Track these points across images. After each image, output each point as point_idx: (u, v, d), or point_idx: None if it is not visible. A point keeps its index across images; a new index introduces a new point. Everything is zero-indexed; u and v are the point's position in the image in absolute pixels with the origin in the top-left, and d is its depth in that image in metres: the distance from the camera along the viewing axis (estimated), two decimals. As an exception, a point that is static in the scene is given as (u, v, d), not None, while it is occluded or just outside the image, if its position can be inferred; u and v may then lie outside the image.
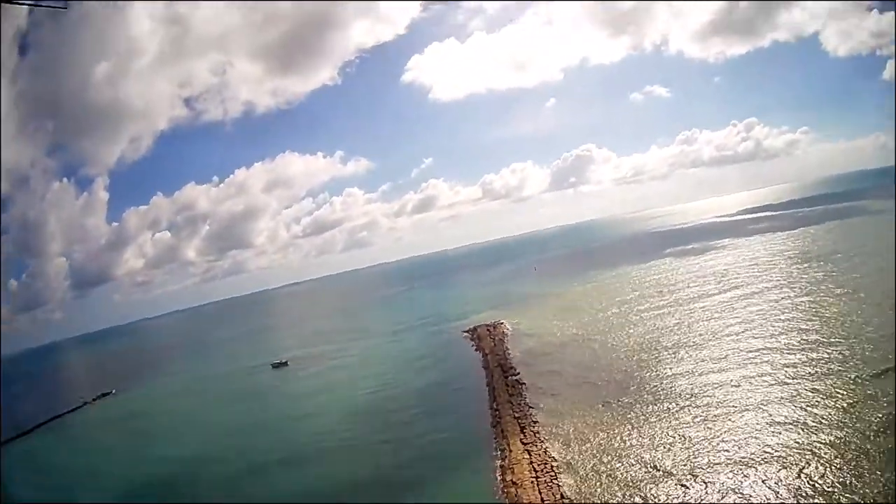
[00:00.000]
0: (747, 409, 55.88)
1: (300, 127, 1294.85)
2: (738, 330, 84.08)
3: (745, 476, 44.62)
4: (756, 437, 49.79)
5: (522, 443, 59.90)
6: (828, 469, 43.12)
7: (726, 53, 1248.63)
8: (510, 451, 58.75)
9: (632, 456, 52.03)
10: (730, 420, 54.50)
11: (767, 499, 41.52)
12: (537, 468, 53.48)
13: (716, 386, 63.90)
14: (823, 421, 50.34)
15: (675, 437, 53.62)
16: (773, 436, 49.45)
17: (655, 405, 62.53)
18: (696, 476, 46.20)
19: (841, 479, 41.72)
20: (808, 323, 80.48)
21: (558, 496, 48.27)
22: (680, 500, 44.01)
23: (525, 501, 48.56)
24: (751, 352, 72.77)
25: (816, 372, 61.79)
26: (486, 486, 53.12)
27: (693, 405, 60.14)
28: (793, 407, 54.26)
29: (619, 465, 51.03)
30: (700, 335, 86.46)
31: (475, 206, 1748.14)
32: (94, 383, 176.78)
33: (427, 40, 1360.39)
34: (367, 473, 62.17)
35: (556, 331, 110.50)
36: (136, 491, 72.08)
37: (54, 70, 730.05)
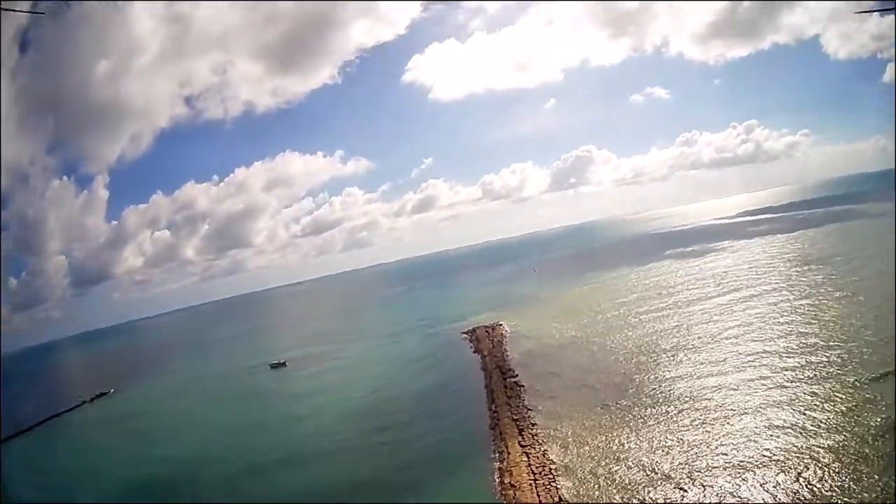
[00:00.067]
0: (746, 413, 55.87)
1: (300, 126, 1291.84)
2: (737, 333, 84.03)
3: (743, 480, 44.63)
4: (754, 441, 49.78)
5: (521, 445, 59.85)
6: (826, 473, 43.10)
7: (727, 56, 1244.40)
8: (508, 453, 58.71)
9: (630, 459, 51.99)
10: (728, 423, 54.49)
11: (766, 502, 41.53)
12: (535, 471, 53.46)
13: (714, 389, 63.87)
14: (822, 425, 50.31)
15: (673, 441, 53.59)
16: (772, 439, 49.44)
17: (654, 408, 62.50)
18: (695, 480, 46.18)
19: (839, 484, 41.72)
20: (807, 326, 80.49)
21: (556, 499, 48.24)
22: (678, 504, 44.06)
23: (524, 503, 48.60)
24: (749, 355, 72.71)
25: (815, 375, 61.81)
26: (484, 489, 53.09)
27: (691, 408, 60.12)
28: (791, 410, 54.23)
29: (618, 468, 50.98)
30: (699, 338, 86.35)
31: (475, 207, 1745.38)
32: (93, 382, 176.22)
33: (427, 40, 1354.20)
34: (365, 474, 62.11)
35: (555, 333, 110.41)
36: (133, 491, 71.93)
37: (55, 67, 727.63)
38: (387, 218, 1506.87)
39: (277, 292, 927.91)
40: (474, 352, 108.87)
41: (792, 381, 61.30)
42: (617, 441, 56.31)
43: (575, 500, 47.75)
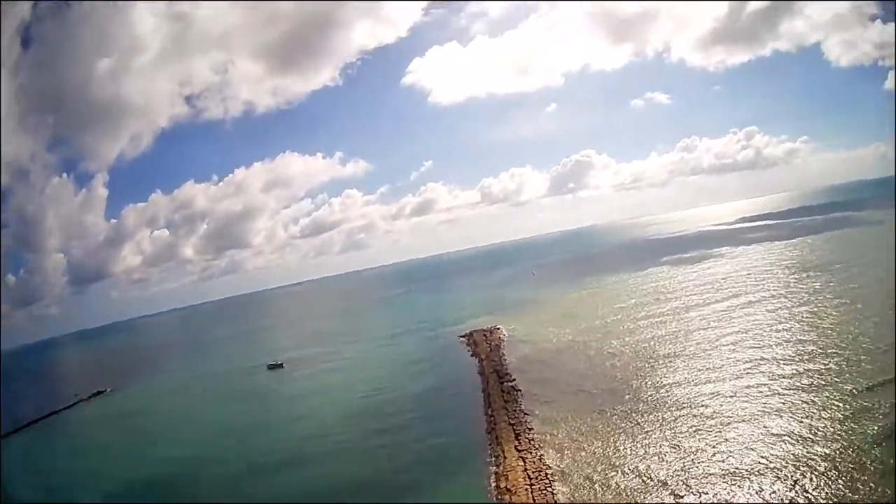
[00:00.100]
0: (743, 420, 55.82)
1: (300, 127, 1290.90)
2: (735, 339, 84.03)
3: (739, 487, 44.55)
4: (751, 449, 49.69)
5: (517, 449, 59.73)
6: (822, 481, 43.05)
7: (727, 62, 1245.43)
8: (505, 457, 58.61)
9: (626, 465, 51.89)
10: (725, 431, 54.39)
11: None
12: (531, 475, 53.35)
13: (711, 396, 63.82)
14: (819, 433, 50.26)
15: (669, 447, 53.49)
16: (769, 447, 49.35)
17: (650, 414, 62.41)
18: (690, 487, 46.08)
19: (835, 492, 41.65)
20: (805, 333, 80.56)
21: (552, 504, 48.15)
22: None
23: (519, 508, 48.53)
24: (747, 362, 72.63)
25: (813, 383, 61.77)
26: (480, 492, 53.00)
27: (688, 415, 60.01)
28: (788, 418, 54.19)
29: (614, 473, 50.88)
30: (696, 344, 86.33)
31: (474, 210, 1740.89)
32: (90, 380, 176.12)
33: (429, 43, 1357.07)
34: (363, 476, 61.94)
35: (553, 337, 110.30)
36: (130, 490, 71.63)
37: (56, 64, 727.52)
38: (385, 220, 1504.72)
39: (275, 293, 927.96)
40: (471, 355, 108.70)
41: (789, 389, 61.27)
42: (613, 447, 56.20)
43: (571, 506, 47.71)
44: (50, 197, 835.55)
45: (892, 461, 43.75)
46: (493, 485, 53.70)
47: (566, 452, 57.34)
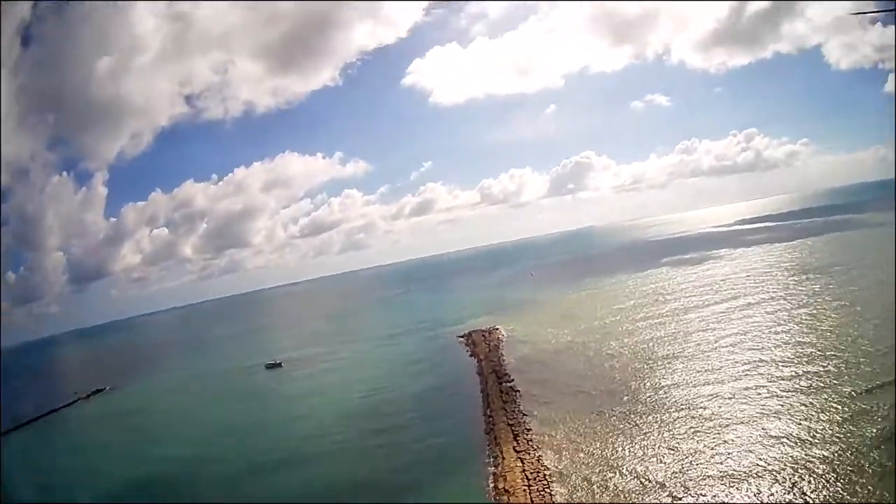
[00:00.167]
0: (741, 422, 55.75)
1: (300, 127, 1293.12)
2: (734, 341, 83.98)
3: (737, 490, 44.50)
4: (749, 451, 49.63)
5: (515, 450, 59.68)
6: (820, 484, 42.98)
7: (728, 64, 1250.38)
8: (503, 458, 58.56)
9: (624, 467, 51.83)
10: (723, 433, 54.32)
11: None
12: (530, 476, 53.31)
13: (710, 397, 63.76)
14: (817, 435, 50.19)
15: (667, 449, 53.43)
16: (767, 449, 49.29)
17: (649, 416, 62.32)
18: (689, 489, 46.04)
19: (834, 495, 41.61)
20: (804, 336, 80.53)
21: (550, 505, 48.12)
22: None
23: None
24: (746, 364, 72.60)
25: (811, 386, 61.77)
26: (478, 493, 52.96)
27: (687, 417, 59.95)
28: (787, 421, 54.13)
29: (612, 475, 50.83)
30: (695, 346, 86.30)
31: (473, 211, 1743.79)
32: (89, 379, 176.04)
33: (429, 44, 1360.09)
34: (361, 476, 61.92)
35: (552, 338, 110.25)
36: (126, 490, 71.42)
37: (57, 63, 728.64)
38: (384, 220, 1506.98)
39: (274, 292, 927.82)
40: (470, 355, 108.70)
41: (788, 391, 61.25)
42: (611, 448, 56.14)
43: (568, 507, 47.67)
44: (50, 195, 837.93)
45: (890, 464, 43.71)
46: (492, 485, 53.64)
47: (564, 453, 57.29)
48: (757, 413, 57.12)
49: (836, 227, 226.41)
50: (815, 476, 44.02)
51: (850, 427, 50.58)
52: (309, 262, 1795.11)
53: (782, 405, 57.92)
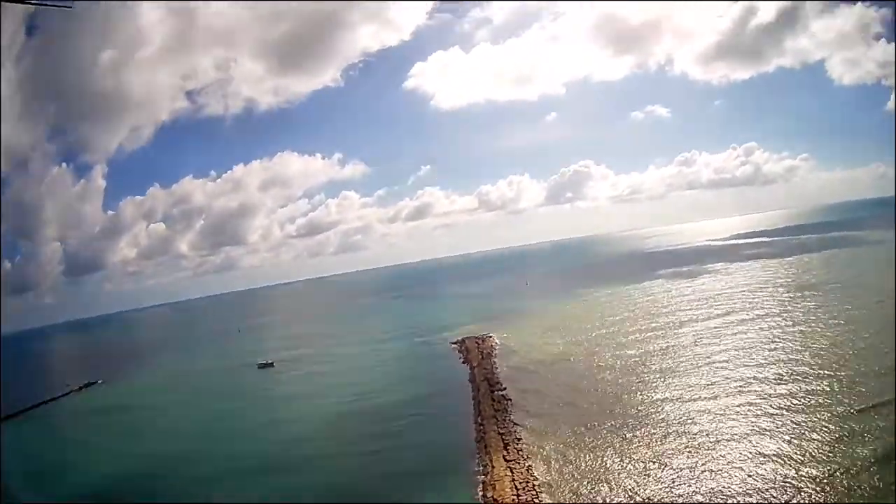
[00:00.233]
0: (733, 439, 55.37)
1: (300, 127, 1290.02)
2: (727, 357, 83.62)
3: (726, 507, 44.16)
4: (740, 468, 49.28)
5: (505, 459, 59.29)
6: (810, 505, 42.67)
7: (730, 77, 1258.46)
8: (493, 466, 58.15)
9: (613, 481, 51.46)
10: (714, 449, 53.97)
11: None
12: (519, 486, 52.93)
13: (701, 413, 63.43)
14: (808, 455, 49.84)
15: (657, 465, 53.01)
16: (758, 467, 48.96)
17: (639, 430, 61.88)
18: (677, 505, 45.69)
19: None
20: (798, 353, 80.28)
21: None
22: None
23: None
24: (739, 380, 72.27)
25: (804, 404, 61.44)
26: (467, 501, 52.72)
27: (678, 432, 59.55)
28: (778, 439, 53.78)
29: (601, 488, 50.47)
30: (688, 361, 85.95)
31: (470, 217, 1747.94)
32: (81, 371, 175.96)
33: (432, 48, 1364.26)
34: (346, 483, 61.39)
35: (545, 348, 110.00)
36: (112, 486, 70.55)
37: (60, 54, 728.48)
38: (381, 223, 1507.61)
39: (269, 291, 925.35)
40: (463, 362, 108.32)
41: (780, 409, 60.92)
42: (601, 461, 55.76)
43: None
44: (49, 186, 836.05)
45: (881, 485, 43.47)
46: (481, 494, 53.25)
47: (554, 465, 56.96)
48: (748, 430, 56.76)
49: (833, 243, 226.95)
50: (804, 495, 43.71)
51: (842, 447, 50.26)
52: (304, 263, 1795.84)
53: (774, 423, 57.59)
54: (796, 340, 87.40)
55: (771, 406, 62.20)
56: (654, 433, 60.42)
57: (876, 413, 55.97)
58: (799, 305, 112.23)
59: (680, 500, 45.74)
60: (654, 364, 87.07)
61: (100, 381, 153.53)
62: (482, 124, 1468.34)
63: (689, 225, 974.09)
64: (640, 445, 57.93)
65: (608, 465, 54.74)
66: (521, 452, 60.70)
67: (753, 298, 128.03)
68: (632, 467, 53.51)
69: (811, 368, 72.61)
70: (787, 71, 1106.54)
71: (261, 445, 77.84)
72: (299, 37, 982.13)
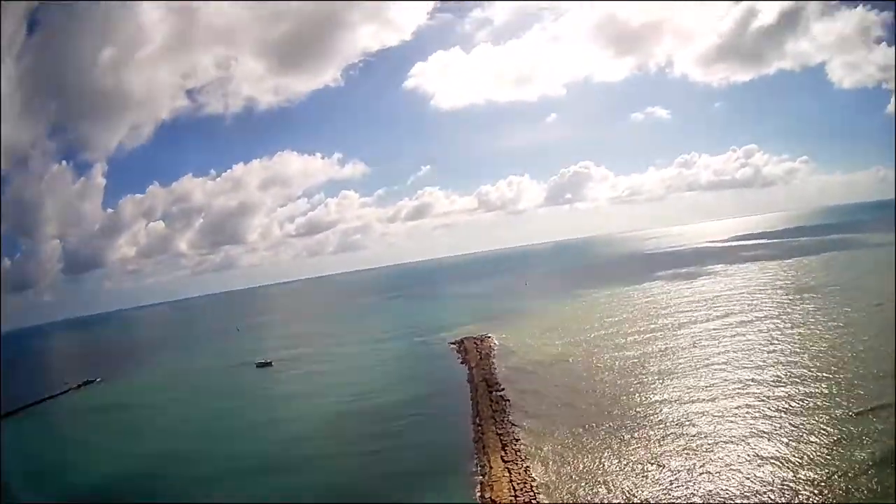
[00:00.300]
0: (731, 441, 55.36)
1: (300, 126, 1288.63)
2: (726, 359, 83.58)
3: (723, 510, 44.17)
4: (738, 471, 49.25)
5: (503, 460, 59.29)
6: (808, 508, 42.70)
7: (730, 79, 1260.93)
8: (491, 467, 58.14)
9: (611, 482, 51.45)
10: (712, 451, 53.96)
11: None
12: (517, 487, 52.91)
13: (700, 415, 63.40)
14: (806, 458, 49.85)
15: (655, 466, 53.02)
16: (755, 470, 48.94)
17: (637, 432, 61.85)
18: (675, 507, 45.71)
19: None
20: (797, 356, 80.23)
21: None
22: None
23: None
24: (737, 383, 72.26)
25: (802, 407, 61.42)
26: (465, 501, 52.69)
27: (676, 434, 59.52)
28: (777, 441, 53.76)
29: (598, 490, 50.45)
30: (687, 362, 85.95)
31: (470, 217, 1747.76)
32: (80, 369, 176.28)
33: (432, 48, 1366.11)
34: (344, 482, 61.38)
35: (544, 348, 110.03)
36: (111, 485, 70.49)
37: (60, 52, 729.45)
38: (381, 223, 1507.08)
39: (268, 290, 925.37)
40: (461, 363, 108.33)
41: (778, 412, 60.93)
42: (599, 463, 55.75)
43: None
44: (48, 183, 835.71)
45: (878, 488, 43.49)
46: (478, 494, 53.26)
47: (552, 466, 56.93)
48: (746, 433, 56.74)
49: (832, 246, 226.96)
50: (802, 498, 43.72)
51: (841, 450, 50.27)
52: (303, 262, 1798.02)
53: (772, 426, 57.58)
54: (795, 343, 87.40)
55: (769, 408, 62.22)
56: (653, 435, 60.41)
57: (874, 416, 55.99)
58: (798, 308, 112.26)
59: (678, 502, 45.80)
60: (652, 365, 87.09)
61: (99, 380, 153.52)
62: (482, 124, 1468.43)
63: (688, 227, 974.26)
64: (638, 447, 57.94)
65: (606, 467, 54.74)
66: (518, 453, 60.68)
67: (752, 300, 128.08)
68: (629, 469, 53.48)
69: (810, 371, 72.61)
70: (788, 73, 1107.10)
71: (260, 445, 77.85)
72: (299, 36, 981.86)
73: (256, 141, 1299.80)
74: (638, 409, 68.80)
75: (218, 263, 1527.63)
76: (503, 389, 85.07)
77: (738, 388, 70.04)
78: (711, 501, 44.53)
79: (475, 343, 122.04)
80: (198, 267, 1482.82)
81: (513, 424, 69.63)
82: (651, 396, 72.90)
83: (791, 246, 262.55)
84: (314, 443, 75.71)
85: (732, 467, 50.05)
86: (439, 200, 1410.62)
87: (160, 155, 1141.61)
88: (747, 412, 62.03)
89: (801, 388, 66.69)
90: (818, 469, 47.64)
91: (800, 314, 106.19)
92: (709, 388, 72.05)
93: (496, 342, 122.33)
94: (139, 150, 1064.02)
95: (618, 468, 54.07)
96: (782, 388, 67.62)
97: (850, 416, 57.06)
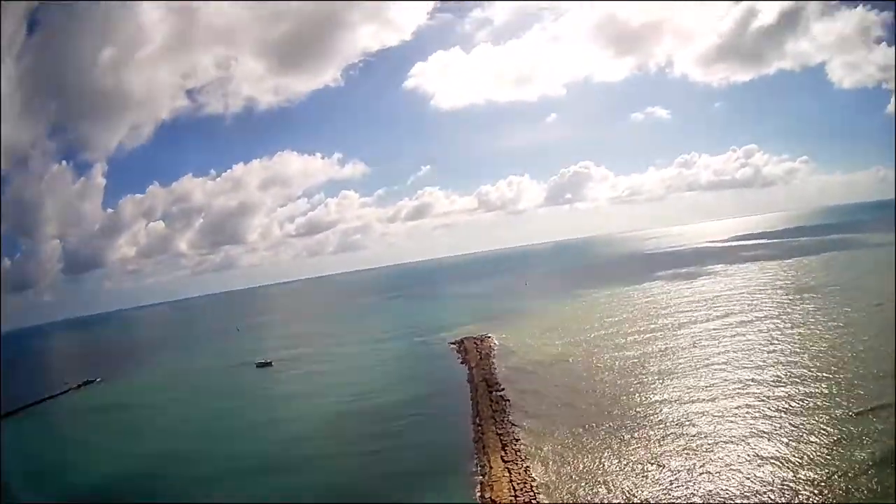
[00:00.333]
0: (731, 441, 55.36)
1: (300, 126, 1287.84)
2: (726, 360, 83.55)
3: (723, 509, 44.17)
4: (737, 471, 49.24)
5: (503, 460, 59.29)
6: (808, 508, 42.69)
7: (730, 79, 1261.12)
8: (490, 467, 58.13)
9: (611, 482, 51.45)
10: (712, 451, 53.95)
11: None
12: (517, 487, 52.89)
13: (700, 415, 63.39)
14: (806, 458, 49.84)
15: (655, 466, 53.00)
16: (755, 470, 48.93)
17: (637, 432, 61.84)
18: (675, 507, 45.70)
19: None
20: (797, 356, 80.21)
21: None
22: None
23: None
24: (737, 383, 72.25)
25: (802, 407, 61.40)
26: (465, 501, 52.68)
27: (676, 434, 59.51)
28: (777, 441, 53.75)
29: (598, 490, 50.44)
30: (687, 362, 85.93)
31: (470, 217, 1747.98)
32: (80, 369, 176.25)
33: (432, 48, 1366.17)
34: (344, 482, 61.37)
35: (544, 348, 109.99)
36: (111, 485, 70.49)
37: (60, 52, 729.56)
38: (381, 223, 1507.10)
39: (268, 290, 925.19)
40: (461, 363, 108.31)
41: (779, 412, 60.92)
42: (599, 463, 55.75)
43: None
44: (49, 184, 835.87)
45: (878, 488, 43.49)
46: (479, 494, 53.26)
47: (551, 466, 56.93)
48: (747, 432, 56.74)
49: (832, 246, 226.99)
50: (802, 498, 43.72)
51: (841, 450, 50.28)
52: (303, 262, 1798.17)
53: (772, 426, 57.57)
54: (795, 343, 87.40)
55: (769, 408, 62.22)
56: (653, 435, 60.40)
57: (874, 416, 55.99)
58: (798, 308, 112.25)
59: (678, 502, 45.80)
60: (652, 365, 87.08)
61: (99, 380, 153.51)
62: (482, 124, 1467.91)
63: (688, 227, 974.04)
64: (638, 447, 57.94)
65: (606, 467, 54.73)
66: (518, 453, 60.68)
67: (752, 300, 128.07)
68: (629, 469, 53.49)
69: (810, 371, 72.60)
70: (788, 73, 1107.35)
71: (260, 445, 77.84)
72: (299, 36, 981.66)
73: (256, 141, 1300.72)
74: (638, 409, 68.81)
75: (218, 263, 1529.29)
76: (503, 389, 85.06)
77: (738, 388, 70.04)
78: (711, 501, 44.65)
79: (475, 343, 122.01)
80: (198, 267, 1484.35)
81: (513, 424, 69.63)
82: (651, 396, 72.90)
83: (791, 246, 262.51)
84: (314, 443, 75.72)
85: (732, 467, 50.06)
86: (439, 200, 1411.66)
87: (160, 155, 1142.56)
88: (747, 412, 62.03)
89: (801, 388, 66.69)
90: (818, 469, 47.65)
91: (800, 314, 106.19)
92: (709, 388, 72.05)
93: (496, 342, 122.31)
94: (139, 150, 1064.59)
95: (618, 468, 54.08)
96: (782, 388, 67.62)
97: (850, 416, 57.06)
